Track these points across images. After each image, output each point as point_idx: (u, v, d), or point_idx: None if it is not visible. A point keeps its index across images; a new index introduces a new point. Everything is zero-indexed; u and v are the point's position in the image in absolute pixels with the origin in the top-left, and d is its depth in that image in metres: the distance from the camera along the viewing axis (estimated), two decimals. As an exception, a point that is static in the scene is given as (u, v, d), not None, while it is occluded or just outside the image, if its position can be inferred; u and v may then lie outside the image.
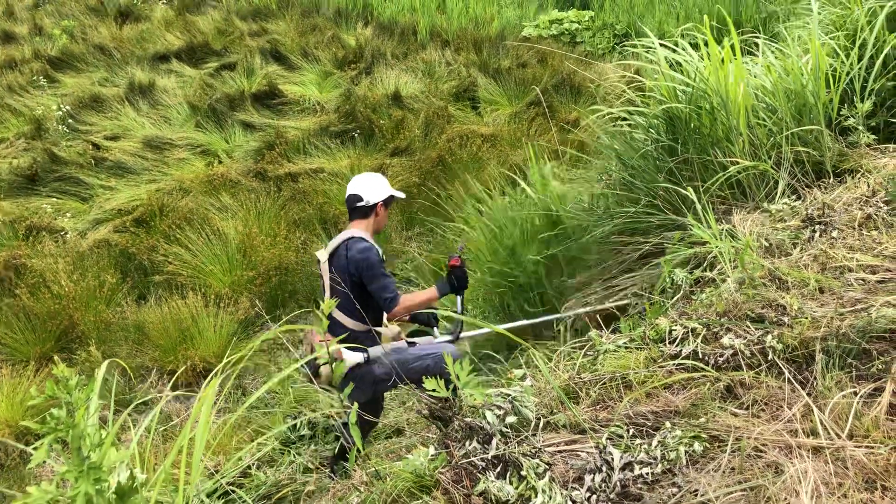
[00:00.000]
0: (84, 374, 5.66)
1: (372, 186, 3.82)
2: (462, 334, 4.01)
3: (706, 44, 4.01)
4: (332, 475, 3.49)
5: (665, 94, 4.16)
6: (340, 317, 3.66)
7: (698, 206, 3.47)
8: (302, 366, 3.56)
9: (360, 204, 3.79)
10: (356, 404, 2.72)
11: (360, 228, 3.80)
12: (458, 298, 3.92)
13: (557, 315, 4.22)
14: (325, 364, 3.39)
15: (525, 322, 4.31)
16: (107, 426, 1.69)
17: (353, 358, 3.55)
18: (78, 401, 1.47)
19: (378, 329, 3.73)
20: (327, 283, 3.74)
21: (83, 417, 1.46)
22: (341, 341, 3.56)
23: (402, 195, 3.97)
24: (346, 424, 3.88)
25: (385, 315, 3.80)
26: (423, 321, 4.01)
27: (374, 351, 3.60)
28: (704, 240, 3.38)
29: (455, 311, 3.95)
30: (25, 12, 15.20)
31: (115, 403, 4.96)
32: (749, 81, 4.04)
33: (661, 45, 4.23)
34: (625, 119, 4.57)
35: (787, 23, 5.56)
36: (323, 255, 3.78)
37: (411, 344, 3.74)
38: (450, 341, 3.93)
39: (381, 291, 3.60)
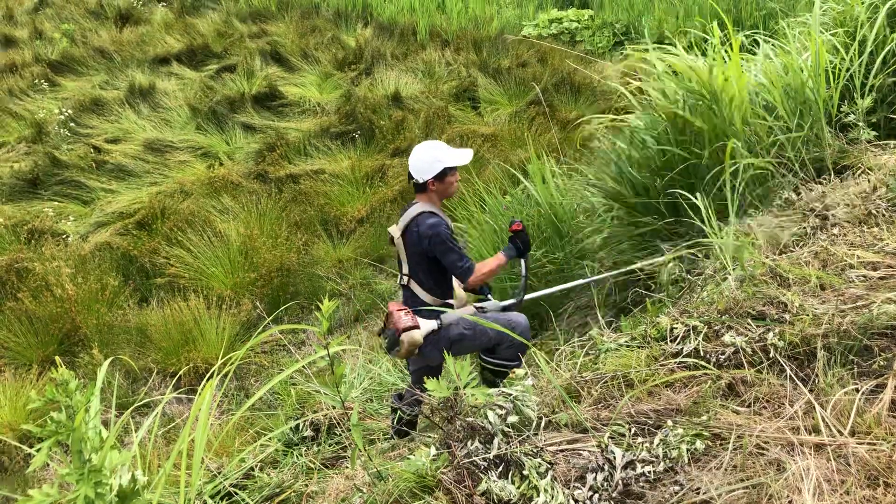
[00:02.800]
0: (87, 377, 5.67)
1: (421, 163, 3.80)
2: (526, 297, 4.10)
3: (706, 41, 4.01)
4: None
5: (663, 97, 4.16)
6: (417, 290, 3.80)
7: (700, 205, 3.47)
8: (382, 337, 3.70)
9: (412, 181, 3.86)
10: (356, 406, 2.72)
11: (424, 202, 3.86)
12: (523, 261, 4.02)
13: (606, 275, 4.25)
14: (405, 332, 3.53)
15: (582, 281, 4.31)
16: (108, 429, 1.69)
17: (427, 326, 3.66)
18: (78, 404, 1.47)
19: (450, 301, 3.88)
20: (403, 258, 3.84)
21: (83, 420, 1.46)
22: (417, 310, 3.75)
23: (463, 160, 3.90)
24: (399, 396, 4.03)
25: (459, 286, 3.94)
26: (476, 290, 4.08)
27: (447, 317, 3.72)
28: (705, 238, 3.38)
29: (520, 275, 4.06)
30: (25, 16, 15.21)
31: (117, 406, 4.96)
32: (749, 79, 4.04)
33: (657, 46, 4.23)
34: (623, 121, 4.58)
35: (787, 18, 5.55)
36: (396, 231, 3.87)
37: (480, 309, 3.83)
38: (515, 305, 4.02)
39: (456, 262, 3.69)
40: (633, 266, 4.09)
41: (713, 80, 3.82)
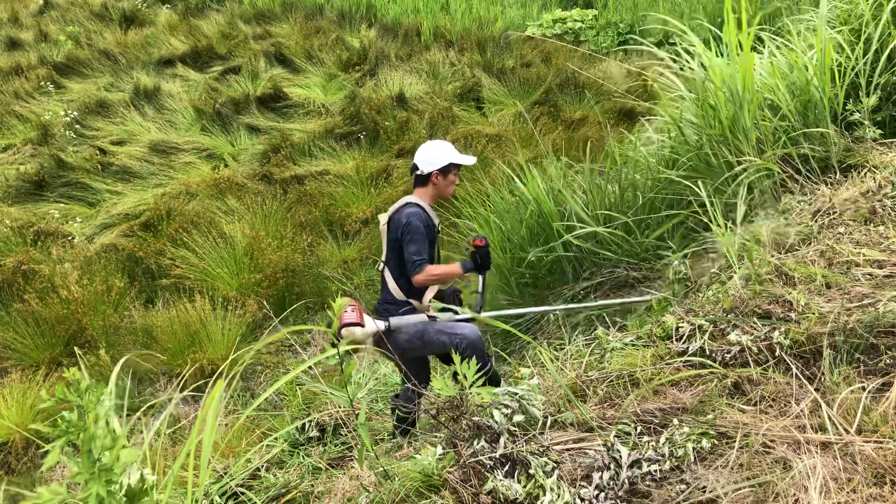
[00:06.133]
0: (93, 377, 5.68)
1: (429, 155, 3.92)
2: (483, 313, 4.06)
3: (716, 39, 4.02)
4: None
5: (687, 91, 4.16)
6: (388, 278, 3.88)
7: (707, 203, 3.46)
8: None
9: (416, 172, 3.93)
10: (364, 406, 2.73)
11: (419, 196, 3.94)
12: (480, 277, 4.03)
13: (582, 305, 4.28)
14: (345, 327, 3.52)
15: (549, 308, 4.34)
16: (115, 428, 1.70)
17: (374, 325, 3.68)
18: (89, 403, 1.48)
19: (412, 302, 3.87)
20: (384, 244, 3.93)
21: (94, 421, 1.46)
22: (384, 299, 3.83)
23: (468, 161, 4.01)
24: (396, 395, 4.04)
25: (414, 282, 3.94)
26: (448, 300, 4.10)
27: (396, 321, 3.75)
28: (712, 236, 3.38)
29: (476, 290, 4.05)
30: (31, 19, 15.25)
31: (122, 406, 4.98)
32: (756, 78, 4.04)
33: (666, 45, 4.24)
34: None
35: (792, 16, 5.54)
36: (384, 217, 3.96)
37: (432, 318, 3.84)
38: (469, 319, 3.99)
39: (412, 255, 3.72)
40: (602, 303, 4.16)
41: (736, 77, 3.81)
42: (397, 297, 3.85)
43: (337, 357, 2.26)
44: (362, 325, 3.60)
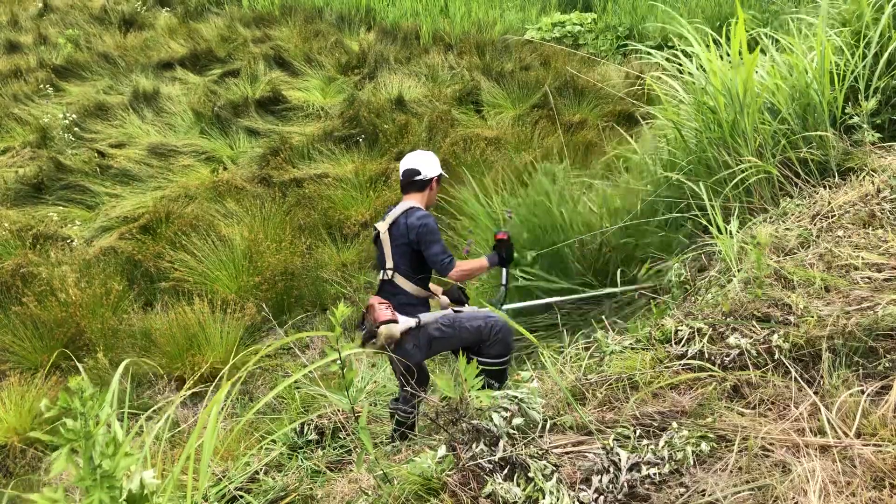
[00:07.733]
0: (91, 381, 5.67)
1: (428, 162, 4.03)
2: (506, 306, 4.16)
3: (717, 43, 4.02)
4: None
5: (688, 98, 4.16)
6: (401, 282, 3.87)
7: (708, 206, 3.47)
8: (360, 330, 3.76)
9: (417, 178, 3.99)
10: (365, 411, 2.74)
11: (416, 201, 3.98)
12: (504, 270, 4.13)
13: (608, 290, 4.29)
14: (384, 324, 3.59)
15: (574, 297, 4.35)
16: (118, 434, 1.70)
17: (406, 322, 3.71)
18: (91, 411, 1.48)
19: (433, 290, 3.95)
20: (388, 251, 3.89)
21: (96, 427, 1.46)
22: (400, 304, 3.80)
23: (445, 175, 4.21)
24: (396, 399, 4.02)
25: (439, 291, 4.06)
26: (454, 299, 4.14)
27: (426, 317, 3.79)
28: (712, 239, 3.38)
29: (501, 283, 4.15)
30: (30, 22, 15.26)
31: (121, 410, 4.97)
32: (755, 81, 4.04)
33: (668, 48, 4.25)
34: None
35: (792, 14, 5.54)
36: (383, 225, 3.95)
37: (457, 312, 3.88)
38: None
39: (438, 254, 3.78)
40: (613, 290, 4.16)
41: (737, 81, 3.81)
42: (418, 296, 3.87)
43: (339, 363, 2.26)
44: (398, 322, 3.65)
